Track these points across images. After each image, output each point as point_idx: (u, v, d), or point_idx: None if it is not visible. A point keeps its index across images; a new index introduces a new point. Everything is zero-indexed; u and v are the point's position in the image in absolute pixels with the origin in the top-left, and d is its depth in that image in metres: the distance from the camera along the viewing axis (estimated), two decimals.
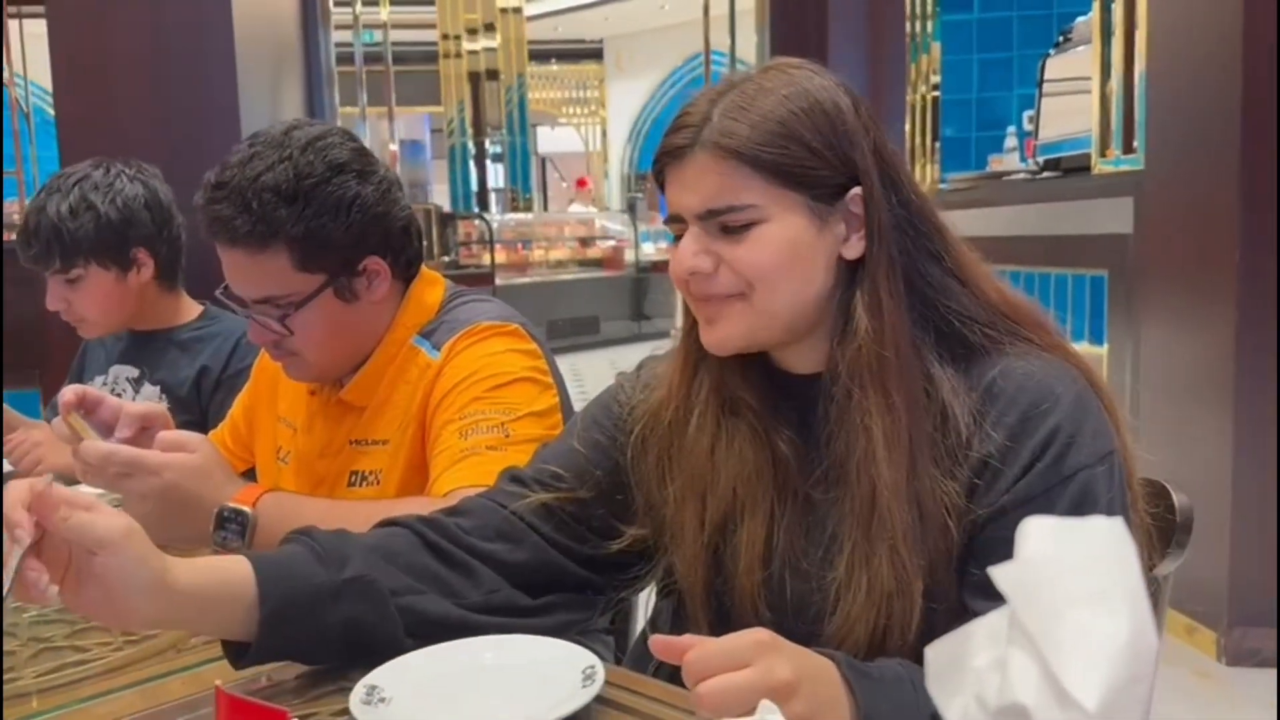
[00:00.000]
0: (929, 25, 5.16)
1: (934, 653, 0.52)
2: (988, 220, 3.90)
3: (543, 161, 14.71)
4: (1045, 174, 3.92)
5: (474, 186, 11.51)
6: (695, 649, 0.75)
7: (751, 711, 0.69)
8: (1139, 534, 0.98)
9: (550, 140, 16.66)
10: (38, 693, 0.93)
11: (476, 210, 10.92)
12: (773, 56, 0.99)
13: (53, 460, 1.70)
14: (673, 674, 0.81)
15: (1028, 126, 4.39)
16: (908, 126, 5.26)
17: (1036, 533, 0.51)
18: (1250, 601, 2.77)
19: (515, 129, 11.75)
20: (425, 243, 1.44)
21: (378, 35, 9.34)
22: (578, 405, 1.23)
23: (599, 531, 1.04)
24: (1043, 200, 3.77)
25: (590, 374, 7.68)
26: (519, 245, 10.34)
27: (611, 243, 11.03)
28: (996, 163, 4.59)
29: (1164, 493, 1.06)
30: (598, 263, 10.85)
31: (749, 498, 0.97)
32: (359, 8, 8.38)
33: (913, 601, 0.88)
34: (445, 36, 11.33)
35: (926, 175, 5.10)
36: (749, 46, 6.65)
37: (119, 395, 1.89)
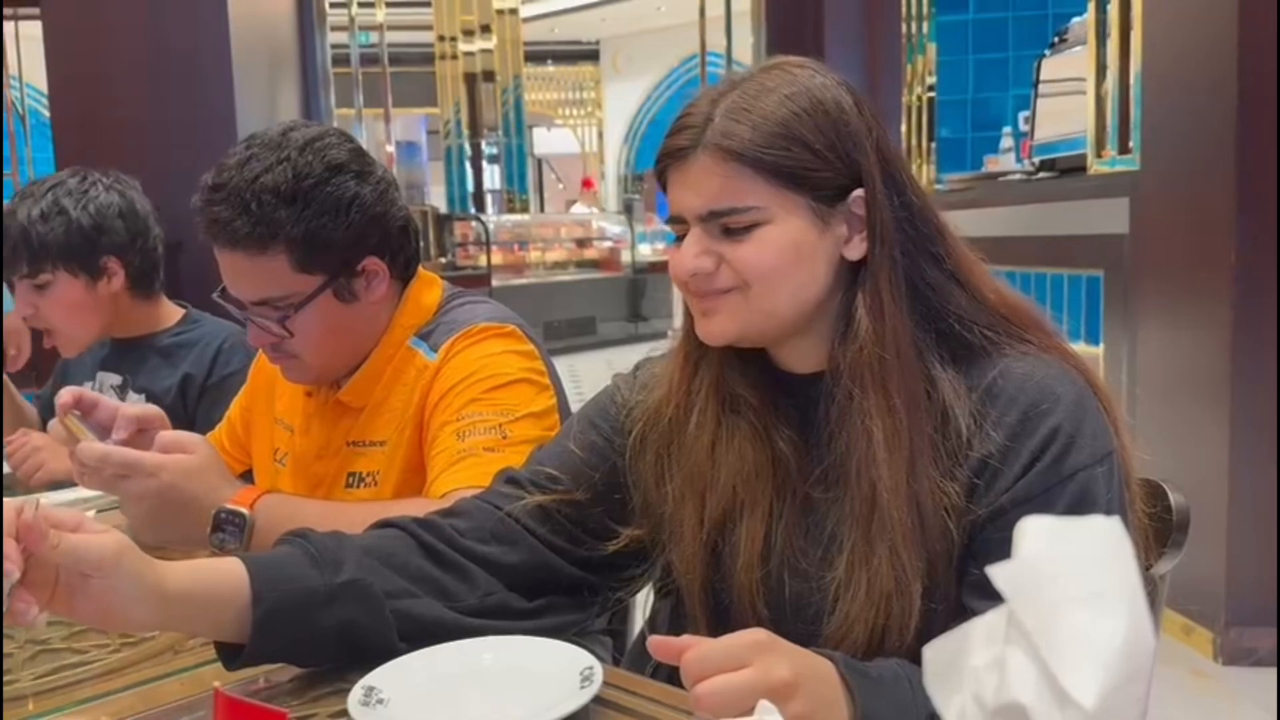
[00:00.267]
0: (924, 26, 5.17)
1: (932, 652, 0.53)
2: (983, 221, 3.91)
3: (539, 163, 14.71)
4: (1041, 174, 3.92)
5: (470, 188, 11.50)
6: (693, 649, 0.75)
7: (750, 711, 0.69)
8: (1137, 534, 0.98)
9: (546, 141, 16.68)
10: (35, 695, 0.93)
11: (473, 211, 10.91)
12: (770, 57, 0.99)
13: (52, 464, 1.69)
14: (671, 674, 0.81)
15: (1023, 127, 4.40)
16: (904, 127, 5.27)
17: (1034, 532, 0.51)
18: (1247, 601, 2.77)
19: (511, 130, 11.75)
20: (422, 244, 1.44)
21: (374, 37, 9.34)
22: (575, 406, 1.23)
23: (595, 533, 1.04)
24: (1038, 201, 3.78)
25: (587, 375, 7.68)
26: (515, 246, 10.33)
27: (608, 244, 11.03)
28: (992, 163, 4.60)
29: (1160, 492, 1.06)
30: (594, 264, 10.85)
31: (748, 496, 0.97)
32: (355, 9, 8.38)
33: (912, 602, 0.89)
34: (441, 38, 11.33)
35: (922, 176, 5.11)
36: (745, 47, 6.66)
37: None
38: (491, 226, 9.72)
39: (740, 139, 0.90)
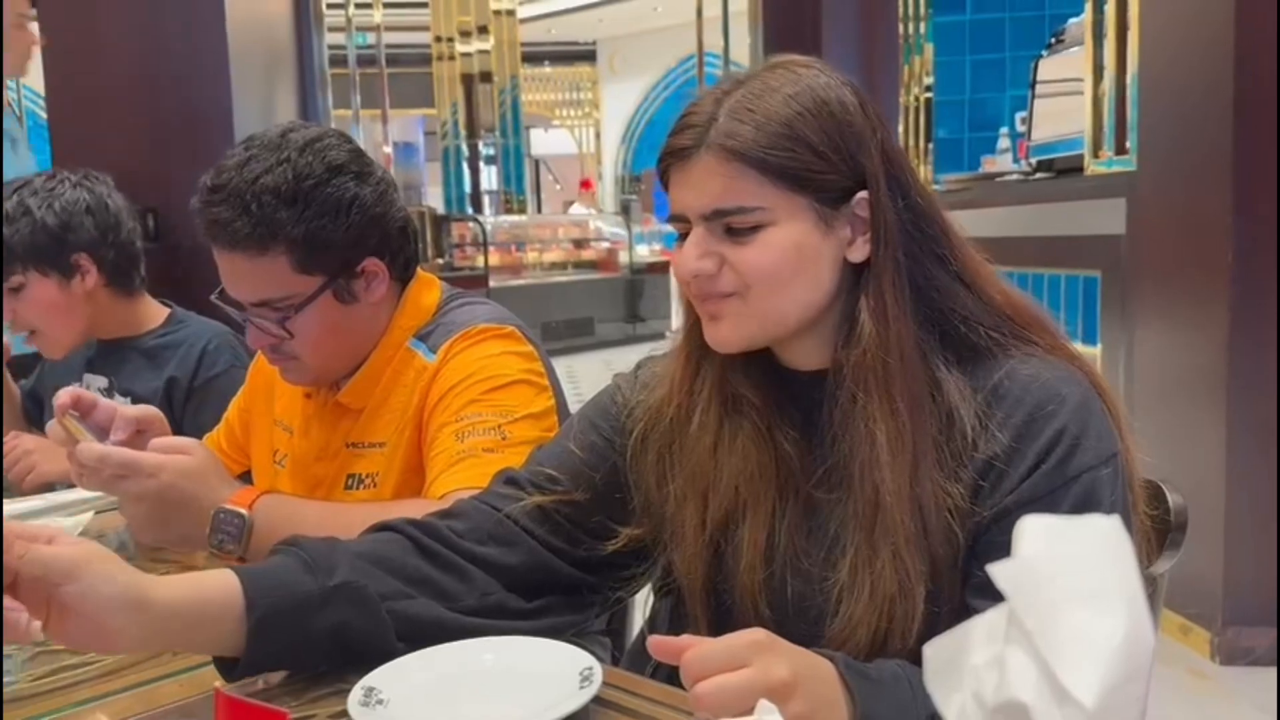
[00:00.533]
0: (922, 27, 5.18)
1: (932, 650, 0.53)
2: (981, 221, 3.91)
3: (536, 164, 14.71)
4: (1038, 175, 3.93)
5: (468, 189, 11.51)
6: (693, 649, 0.75)
7: (749, 711, 0.70)
8: (1139, 536, 0.98)
9: (544, 142, 16.67)
10: (34, 696, 0.93)
11: (470, 212, 10.91)
12: (767, 57, 0.99)
13: (44, 467, 1.69)
14: (670, 674, 0.81)
15: (1020, 128, 4.40)
16: (901, 128, 5.27)
17: (1034, 531, 0.51)
18: (1244, 601, 2.78)
19: (509, 131, 11.76)
20: (420, 245, 1.44)
21: (371, 38, 9.33)
22: (573, 407, 1.23)
23: (594, 533, 1.04)
24: (1036, 201, 3.78)
25: (585, 376, 7.67)
26: (513, 247, 10.33)
27: (606, 245, 11.03)
28: (990, 164, 4.60)
29: (1159, 493, 1.06)
30: (592, 265, 10.85)
31: (751, 496, 0.97)
32: (352, 10, 8.38)
33: (915, 605, 0.89)
34: (438, 39, 11.33)
35: (920, 177, 5.10)
36: (743, 48, 6.66)
37: None
38: (489, 227, 9.72)
39: (744, 139, 0.89)
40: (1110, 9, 3.34)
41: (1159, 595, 1.08)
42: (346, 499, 1.34)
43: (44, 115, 4.61)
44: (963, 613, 0.89)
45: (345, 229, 1.26)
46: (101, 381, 1.90)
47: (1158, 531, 1.05)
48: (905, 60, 5.30)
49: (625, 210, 12.00)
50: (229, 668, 0.89)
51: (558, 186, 16.10)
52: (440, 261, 8.84)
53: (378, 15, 9.20)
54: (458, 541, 0.99)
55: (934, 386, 0.92)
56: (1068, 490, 0.89)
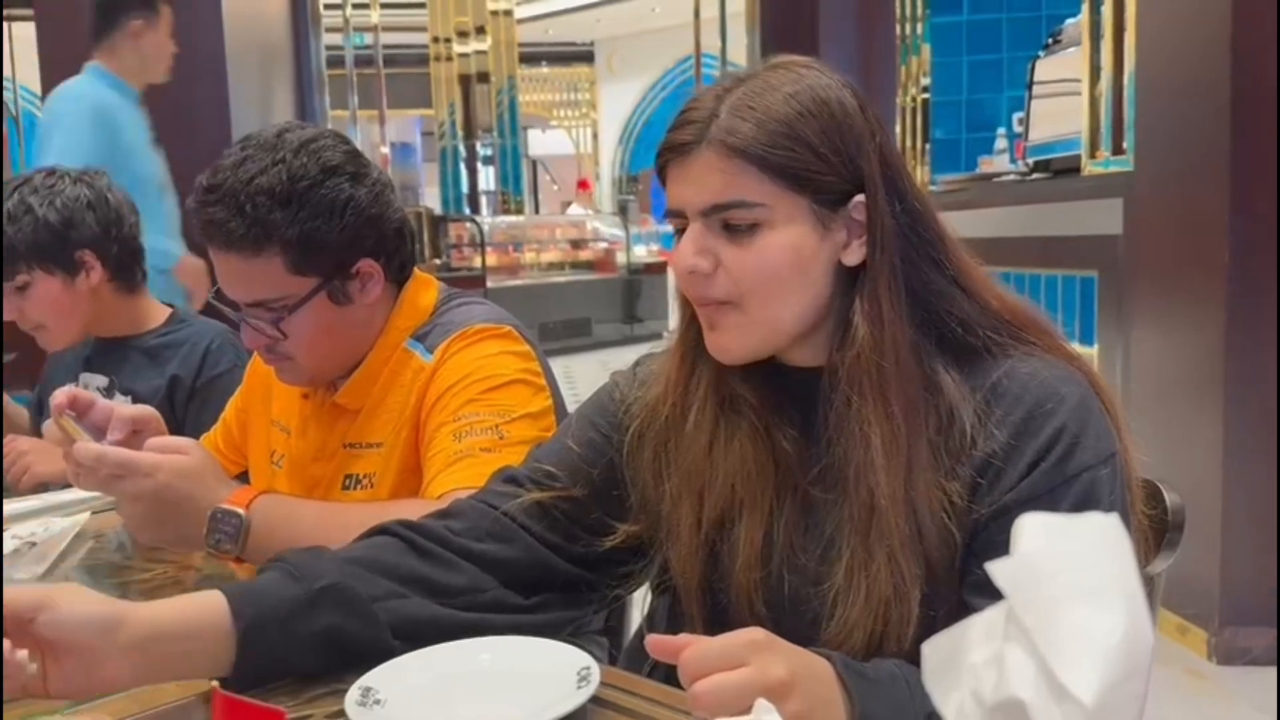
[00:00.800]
0: (919, 27, 5.18)
1: (931, 648, 0.53)
2: (978, 222, 3.91)
3: (534, 164, 14.71)
4: (1035, 175, 3.93)
5: (465, 189, 11.50)
6: (691, 648, 0.75)
7: (747, 711, 0.70)
8: (1136, 535, 0.98)
9: (541, 143, 16.68)
10: (34, 696, 0.92)
11: (468, 213, 10.91)
12: (764, 58, 0.99)
13: (39, 468, 1.69)
14: (668, 674, 0.81)
15: (1017, 128, 4.41)
16: (898, 128, 5.27)
17: (1033, 529, 0.51)
18: (1241, 601, 2.78)
19: (506, 131, 11.75)
20: (417, 245, 1.43)
21: (368, 38, 9.34)
22: (571, 407, 1.23)
23: (592, 529, 1.04)
24: (1033, 201, 3.79)
25: (583, 376, 7.67)
26: (510, 248, 10.33)
27: (603, 245, 11.03)
28: (987, 164, 4.60)
29: (1156, 493, 1.06)
30: (589, 265, 10.85)
31: (748, 495, 0.97)
32: (349, 10, 8.38)
33: (910, 609, 0.88)
34: (436, 39, 11.32)
35: (917, 177, 5.07)
36: (740, 49, 6.67)
37: None
38: (486, 228, 9.71)
39: (745, 136, 0.89)
40: (1107, 9, 3.34)
41: (1156, 595, 1.08)
42: (344, 499, 1.34)
43: (40, 115, 4.61)
44: (959, 615, 0.88)
45: (340, 230, 1.26)
46: (100, 380, 1.89)
47: (1155, 531, 1.05)
48: (902, 61, 5.30)
49: (623, 211, 12.00)
50: (222, 685, 0.88)
51: (555, 187, 16.10)
52: (437, 262, 8.84)
53: (375, 15, 9.20)
54: (455, 540, 0.99)
55: (931, 388, 0.92)
56: (1067, 489, 0.88)
